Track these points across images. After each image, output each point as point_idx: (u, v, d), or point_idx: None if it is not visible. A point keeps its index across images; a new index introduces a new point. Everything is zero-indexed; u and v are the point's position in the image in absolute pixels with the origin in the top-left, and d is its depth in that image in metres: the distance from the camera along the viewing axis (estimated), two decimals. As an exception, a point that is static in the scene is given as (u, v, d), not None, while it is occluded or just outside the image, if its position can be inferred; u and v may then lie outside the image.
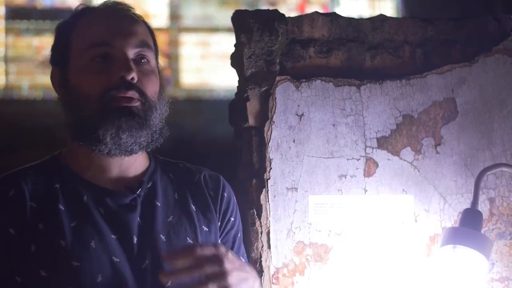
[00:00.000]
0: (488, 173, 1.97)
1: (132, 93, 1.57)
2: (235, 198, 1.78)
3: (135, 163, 1.66)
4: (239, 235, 1.77)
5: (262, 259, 1.95)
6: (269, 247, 1.96)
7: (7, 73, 5.85)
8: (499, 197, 2.06)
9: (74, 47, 1.61)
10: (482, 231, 1.92)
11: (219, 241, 1.71)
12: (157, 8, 6.14)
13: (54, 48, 1.68)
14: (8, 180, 1.59)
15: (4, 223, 1.53)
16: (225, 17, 5.96)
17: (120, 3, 1.67)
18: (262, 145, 1.99)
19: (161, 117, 1.63)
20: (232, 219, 1.75)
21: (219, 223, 1.72)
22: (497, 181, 2.06)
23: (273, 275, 1.96)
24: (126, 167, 1.64)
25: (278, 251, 1.96)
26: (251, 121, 2.00)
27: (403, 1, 6.37)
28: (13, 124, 5.44)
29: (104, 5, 1.67)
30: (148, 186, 1.66)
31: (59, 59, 1.64)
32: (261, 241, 1.96)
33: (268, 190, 1.97)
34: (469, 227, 1.87)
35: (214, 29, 6.16)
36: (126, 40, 1.60)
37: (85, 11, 1.66)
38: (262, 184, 1.98)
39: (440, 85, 2.06)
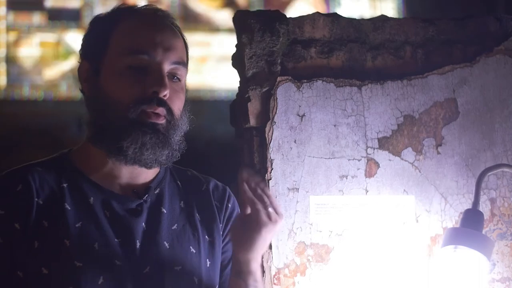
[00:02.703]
0: (489, 173, 1.97)
1: (161, 110, 1.57)
2: (239, 209, 1.77)
3: (146, 171, 1.65)
4: None
5: (263, 259, 1.95)
6: (270, 247, 1.96)
7: (8, 73, 5.86)
8: (500, 198, 2.06)
9: (112, 48, 1.59)
10: (483, 232, 1.92)
11: (222, 250, 1.71)
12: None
13: (87, 41, 1.65)
14: (16, 175, 1.58)
15: (10, 217, 1.53)
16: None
17: (163, 11, 1.66)
18: (263, 146, 1.99)
19: (182, 134, 1.63)
20: None
21: (221, 232, 1.72)
22: (498, 182, 2.06)
23: (274, 276, 1.96)
24: (137, 175, 1.64)
25: (279, 252, 1.96)
26: (252, 122, 2.00)
27: (404, 2, 6.37)
28: (14, 124, 5.44)
29: (147, 9, 1.64)
30: (156, 192, 1.65)
31: (92, 54, 1.61)
32: (262, 241, 1.96)
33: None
34: (470, 227, 1.87)
35: (215, 30, 6.17)
36: (166, 54, 1.58)
37: (128, 11, 1.63)
38: (263, 185, 1.98)
39: (441, 85, 2.06)
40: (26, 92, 5.85)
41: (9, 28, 5.92)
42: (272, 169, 1.98)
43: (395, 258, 1.99)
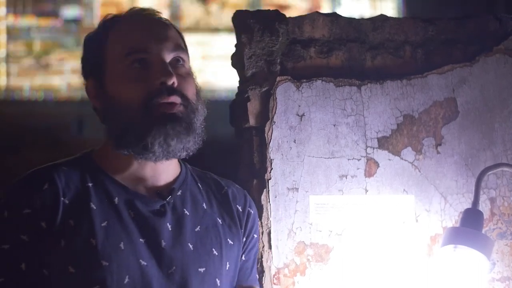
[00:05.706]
0: (489, 173, 1.96)
1: (174, 98, 1.57)
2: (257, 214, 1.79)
3: (167, 170, 1.66)
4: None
5: (263, 259, 1.95)
6: (270, 247, 1.96)
7: (8, 74, 5.86)
8: (500, 197, 2.06)
9: (109, 57, 1.60)
10: (483, 231, 1.92)
11: (243, 257, 1.74)
12: (157, 8, 6.13)
13: (85, 60, 1.67)
14: (42, 174, 1.59)
15: (37, 216, 1.54)
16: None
17: (147, 9, 1.67)
18: (263, 145, 1.99)
19: (202, 118, 1.64)
20: (256, 236, 1.78)
21: (244, 239, 1.74)
22: (498, 181, 2.06)
23: (274, 275, 1.96)
24: (159, 173, 1.65)
25: (279, 251, 1.96)
26: (251, 121, 2.00)
27: (404, 1, 6.37)
28: (14, 125, 5.44)
29: (132, 12, 1.66)
30: (178, 194, 1.66)
31: (93, 71, 1.63)
32: (262, 241, 1.96)
33: (269, 191, 1.97)
34: (470, 227, 1.87)
35: (215, 30, 6.17)
36: (162, 44, 1.59)
37: (115, 20, 1.65)
38: (263, 185, 1.98)
39: (441, 85, 2.06)
40: (26, 92, 5.85)
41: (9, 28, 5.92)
42: (272, 168, 1.98)
43: (395, 257, 1.99)
